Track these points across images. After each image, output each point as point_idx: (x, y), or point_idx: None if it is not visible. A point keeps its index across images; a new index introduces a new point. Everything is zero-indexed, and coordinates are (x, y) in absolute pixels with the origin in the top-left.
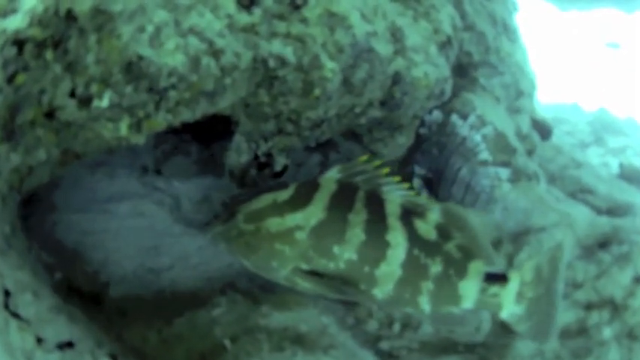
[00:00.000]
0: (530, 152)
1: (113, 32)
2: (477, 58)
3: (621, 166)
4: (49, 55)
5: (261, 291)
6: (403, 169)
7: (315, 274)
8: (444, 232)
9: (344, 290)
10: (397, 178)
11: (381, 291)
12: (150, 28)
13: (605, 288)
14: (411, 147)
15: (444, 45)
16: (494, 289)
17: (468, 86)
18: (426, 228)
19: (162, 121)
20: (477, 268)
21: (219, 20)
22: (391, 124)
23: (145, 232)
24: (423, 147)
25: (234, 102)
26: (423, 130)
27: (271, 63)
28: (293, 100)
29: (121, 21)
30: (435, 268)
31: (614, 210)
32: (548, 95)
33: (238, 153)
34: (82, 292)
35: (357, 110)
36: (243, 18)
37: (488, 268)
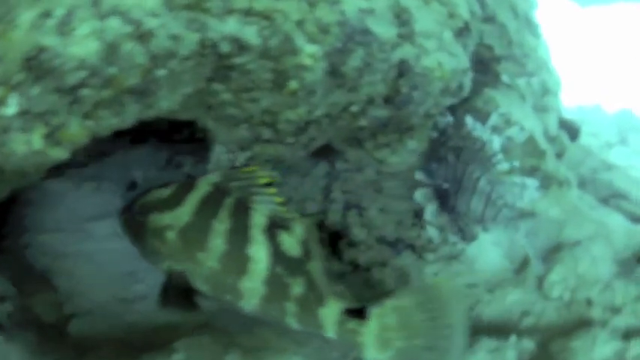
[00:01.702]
0: (560, 155)
1: (11, 22)
2: (500, 52)
3: None
4: None
5: (241, 329)
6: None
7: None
8: (309, 249)
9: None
10: (272, 190)
11: (248, 304)
12: (59, 12)
13: None
14: (426, 154)
15: (461, 32)
16: (352, 324)
17: (490, 82)
18: (291, 243)
19: (80, 129)
20: (337, 295)
21: None
22: (399, 126)
23: (122, 255)
24: (439, 153)
25: (185, 102)
26: (435, 134)
27: (224, 47)
28: (262, 96)
29: (22, 7)
30: (297, 289)
31: None
32: (568, 97)
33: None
34: (43, 323)
35: (355, 109)
36: None
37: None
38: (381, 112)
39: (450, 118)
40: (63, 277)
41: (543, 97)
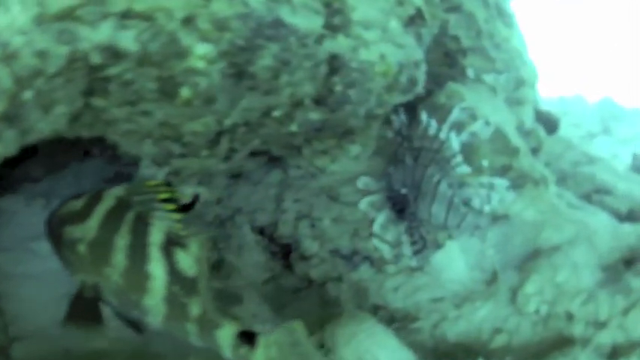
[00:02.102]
0: (536, 150)
1: None
2: (467, 44)
3: (635, 157)
4: None
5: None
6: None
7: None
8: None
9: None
10: (171, 206)
11: (154, 321)
12: None
13: (635, 326)
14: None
15: (413, 20)
16: (244, 349)
17: (456, 76)
18: (187, 262)
19: None
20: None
21: (27, 12)
22: (335, 130)
23: (64, 275)
24: (397, 156)
25: (72, 120)
26: (390, 135)
27: (95, 58)
28: (154, 109)
29: None
30: (195, 309)
31: (637, 211)
32: (549, 88)
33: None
34: None
35: (277, 114)
36: (59, 1)
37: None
38: (312, 116)
39: (403, 117)
40: (9, 300)
41: (517, 89)
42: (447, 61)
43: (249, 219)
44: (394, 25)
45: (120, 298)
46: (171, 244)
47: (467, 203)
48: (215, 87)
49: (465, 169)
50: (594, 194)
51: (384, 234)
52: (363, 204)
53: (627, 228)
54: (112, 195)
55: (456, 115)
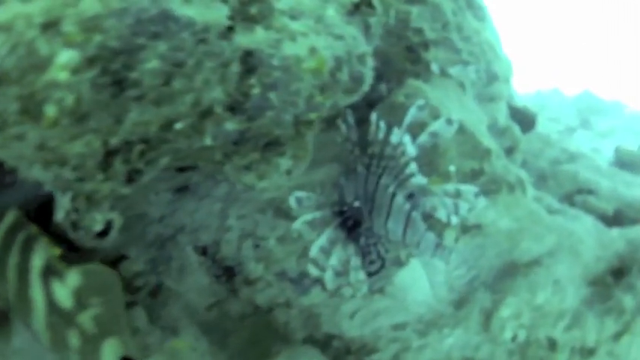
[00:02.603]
0: (511, 150)
1: None
2: (432, 36)
3: (617, 151)
4: None
5: None
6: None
7: None
8: (82, 298)
9: None
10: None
11: (45, 344)
12: None
13: (628, 353)
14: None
15: (358, 8)
16: None
17: (420, 72)
18: (64, 293)
19: None
20: (112, 349)
21: None
22: (258, 141)
23: None
24: (348, 164)
25: None
26: (339, 140)
27: None
28: (25, 132)
29: None
30: (74, 340)
31: (624, 212)
32: (525, 82)
33: (59, 208)
34: None
35: (181, 126)
36: None
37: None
38: (227, 126)
39: (350, 121)
40: None
41: (490, 84)
42: (410, 57)
43: (192, 238)
44: (331, 13)
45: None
46: (50, 272)
47: (430, 215)
48: (86, 101)
49: (420, 179)
50: (577, 195)
51: (325, 258)
52: (298, 224)
53: (614, 233)
54: (12, 214)
55: (412, 114)
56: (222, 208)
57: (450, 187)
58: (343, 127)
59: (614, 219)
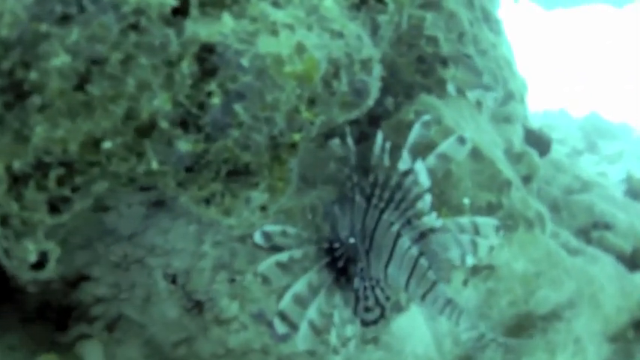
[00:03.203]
0: (528, 179)
1: None
2: (447, 48)
3: (630, 180)
4: None
5: None
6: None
7: None
8: None
9: None
10: None
11: None
12: None
13: None
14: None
15: (365, 1)
16: None
17: (432, 87)
18: None
19: None
20: None
21: None
22: (219, 168)
23: None
24: (345, 191)
25: None
26: (334, 166)
27: None
28: None
29: None
30: None
31: None
32: (533, 102)
33: None
34: None
35: (110, 145)
36: None
37: None
38: (178, 146)
39: (350, 142)
40: None
41: (505, 104)
42: (421, 68)
43: (162, 262)
44: (329, 4)
45: None
46: None
47: (437, 255)
48: None
49: (434, 219)
50: (593, 230)
51: (299, 310)
52: (263, 266)
53: (637, 279)
54: None
55: (417, 132)
56: (198, 231)
57: (466, 220)
58: (339, 148)
59: (632, 258)
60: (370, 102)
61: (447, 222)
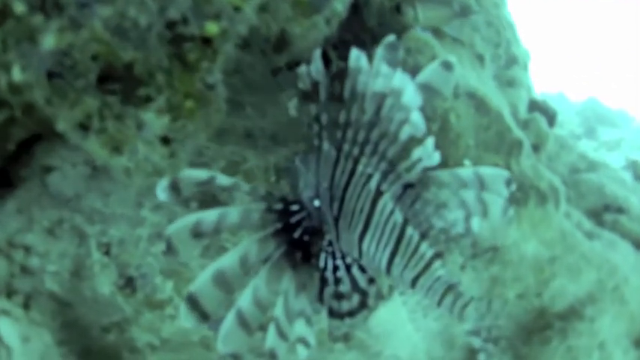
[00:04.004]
0: (536, 148)
1: None
2: None
3: (635, 165)
4: None
5: None
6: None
7: None
8: None
9: None
10: None
11: None
12: None
13: None
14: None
15: None
16: None
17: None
18: None
19: None
20: None
21: None
22: (87, 72)
23: None
24: (309, 139)
25: None
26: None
27: None
28: None
29: None
30: None
31: None
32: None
33: None
34: None
35: None
36: None
37: None
38: (42, 41)
39: (318, 66)
40: None
41: (509, 67)
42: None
43: (99, 230)
44: None
45: None
46: None
47: (437, 219)
48: None
49: (429, 164)
50: (605, 212)
51: (221, 295)
52: (172, 229)
53: None
54: None
55: (382, 55)
56: (139, 192)
57: (468, 172)
58: (304, 76)
59: None
60: (339, 6)
61: (441, 174)
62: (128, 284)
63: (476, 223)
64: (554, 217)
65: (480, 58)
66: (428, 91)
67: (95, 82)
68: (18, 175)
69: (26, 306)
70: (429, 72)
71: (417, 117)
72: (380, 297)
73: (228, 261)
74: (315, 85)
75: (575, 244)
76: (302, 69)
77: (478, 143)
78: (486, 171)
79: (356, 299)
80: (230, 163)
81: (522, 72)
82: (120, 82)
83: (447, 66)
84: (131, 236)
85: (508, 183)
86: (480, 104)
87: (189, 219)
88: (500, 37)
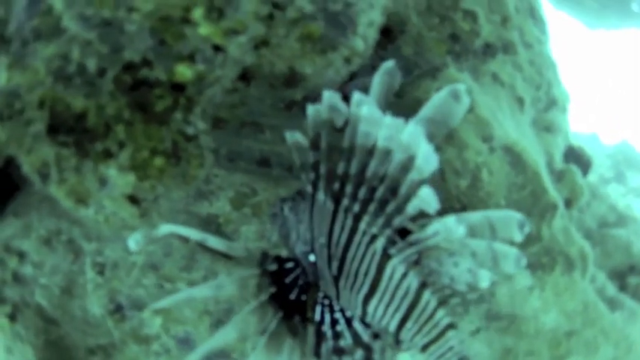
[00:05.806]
0: (568, 204)
1: None
2: (486, 30)
3: None
4: None
5: None
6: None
7: None
8: None
9: None
10: None
11: None
12: None
13: None
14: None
15: None
16: None
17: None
18: None
19: None
20: None
21: None
22: (33, 118)
23: None
24: (302, 188)
25: None
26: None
27: None
28: None
29: None
30: None
31: None
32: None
33: None
34: None
35: None
36: None
37: None
38: None
39: (320, 116)
40: None
41: (548, 110)
42: (454, 49)
43: (95, 247)
44: None
45: None
46: None
47: (446, 291)
48: None
49: (443, 231)
50: (630, 274)
51: None
52: (163, 304)
53: None
54: None
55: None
56: None
57: (482, 245)
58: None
59: None
60: (359, 44)
61: (450, 249)
62: (118, 310)
63: (485, 276)
64: (580, 285)
65: (520, 101)
66: (433, 124)
67: (45, 132)
68: (20, 175)
69: (12, 317)
70: (436, 102)
71: (427, 193)
72: (385, 353)
73: (227, 338)
74: (317, 134)
75: (596, 318)
76: (309, 110)
77: (509, 203)
78: (497, 214)
79: (359, 355)
80: (238, 194)
81: (561, 115)
82: (73, 134)
83: (456, 96)
84: (125, 261)
85: (522, 226)
86: (516, 161)
87: (180, 296)
88: (542, 78)
